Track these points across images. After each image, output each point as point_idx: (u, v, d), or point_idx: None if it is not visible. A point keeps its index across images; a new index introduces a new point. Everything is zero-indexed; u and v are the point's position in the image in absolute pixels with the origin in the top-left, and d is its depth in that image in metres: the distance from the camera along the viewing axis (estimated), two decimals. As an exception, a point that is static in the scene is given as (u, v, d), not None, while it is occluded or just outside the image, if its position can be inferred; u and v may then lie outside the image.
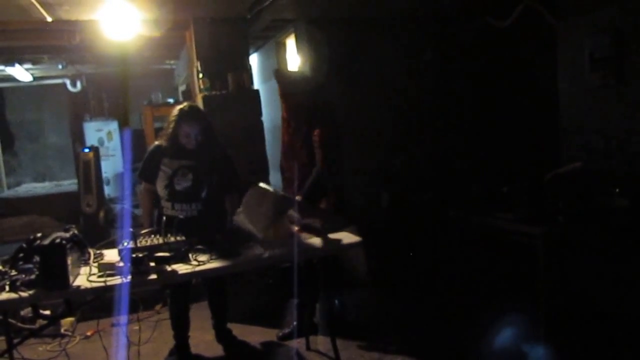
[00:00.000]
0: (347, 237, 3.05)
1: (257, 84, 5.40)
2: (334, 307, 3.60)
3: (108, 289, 2.42)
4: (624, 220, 3.29)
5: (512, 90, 5.00)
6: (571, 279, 3.71)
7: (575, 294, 3.65)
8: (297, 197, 3.28)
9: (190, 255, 2.75)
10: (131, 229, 2.75)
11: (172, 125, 3.24)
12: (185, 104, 3.44)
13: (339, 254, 3.18)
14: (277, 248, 2.88)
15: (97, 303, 2.95)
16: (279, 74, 3.61)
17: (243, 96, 4.40)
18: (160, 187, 3.29)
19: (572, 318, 3.48)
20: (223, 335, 3.62)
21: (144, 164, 3.40)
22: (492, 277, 3.90)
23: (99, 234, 5.49)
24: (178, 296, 3.44)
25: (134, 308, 3.90)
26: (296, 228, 3.08)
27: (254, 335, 3.76)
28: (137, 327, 3.46)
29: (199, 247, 2.89)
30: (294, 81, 3.55)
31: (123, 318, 3.67)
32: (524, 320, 3.33)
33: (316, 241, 3.02)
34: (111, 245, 2.95)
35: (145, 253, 2.56)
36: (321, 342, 3.52)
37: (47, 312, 3.39)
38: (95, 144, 8.46)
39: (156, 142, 3.38)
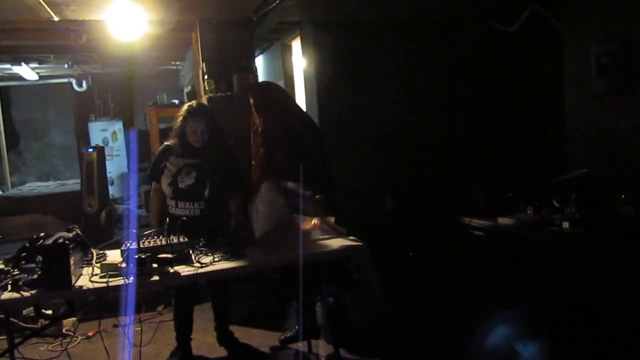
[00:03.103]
0: (350, 241, 3.04)
1: (262, 86, 5.40)
2: (336, 310, 3.59)
3: (110, 290, 2.41)
4: (630, 227, 3.27)
5: (518, 95, 4.98)
6: (575, 286, 3.68)
7: (580, 300, 3.63)
8: (317, 197, 3.27)
9: (193, 256, 2.74)
10: (134, 230, 2.74)
11: (179, 122, 3.26)
12: (193, 101, 3.45)
13: (343, 258, 3.16)
14: (278, 251, 2.87)
15: (99, 303, 2.94)
16: (253, 88, 3.56)
17: (248, 98, 4.38)
18: (165, 185, 3.31)
19: (576, 324, 3.46)
20: (225, 337, 3.61)
21: (153, 164, 3.42)
22: (496, 282, 3.88)
23: (99, 234, 5.49)
24: (182, 297, 3.44)
25: (135, 309, 3.89)
26: (312, 224, 3.10)
27: (256, 338, 3.75)
28: (138, 328, 3.45)
29: (202, 248, 2.89)
30: (270, 94, 3.45)
31: (125, 319, 3.66)
32: (527, 325, 3.30)
33: (320, 244, 3.01)
34: (114, 245, 2.95)
35: (148, 254, 2.56)
36: (323, 345, 3.51)
37: (49, 312, 3.39)
38: (100, 143, 8.51)
39: (166, 142, 3.39)
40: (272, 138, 3.38)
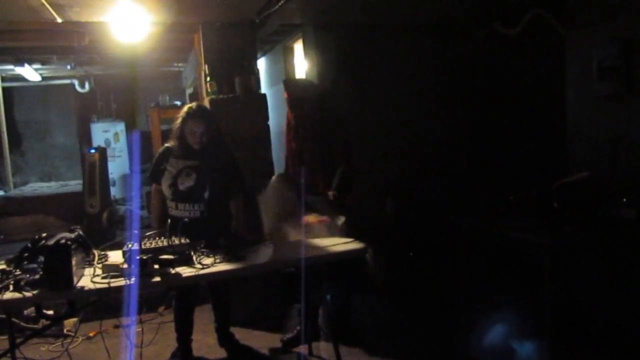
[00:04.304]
0: (352, 243, 3.05)
1: (264, 88, 5.41)
2: (337, 312, 3.59)
3: (112, 290, 2.42)
4: (631, 231, 3.26)
5: (519, 98, 4.99)
6: (577, 289, 3.68)
7: (581, 304, 3.62)
8: (330, 193, 3.35)
9: (194, 258, 2.75)
10: (136, 231, 2.75)
11: (178, 123, 3.27)
12: (193, 103, 3.46)
13: (344, 260, 3.16)
14: (282, 250, 2.88)
15: (101, 304, 2.95)
16: (289, 83, 3.63)
17: (250, 100, 4.40)
18: (165, 187, 3.31)
19: (578, 328, 3.45)
20: (225, 339, 3.61)
21: (153, 166, 3.42)
22: (498, 285, 3.87)
23: (101, 235, 5.50)
24: (183, 298, 3.44)
25: (137, 310, 3.89)
26: (316, 219, 3.12)
27: (256, 339, 3.75)
28: (139, 329, 3.45)
29: (204, 250, 2.89)
30: (304, 89, 3.57)
31: (126, 319, 3.67)
32: (527, 328, 3.30)
33: (322, 246, 3.01)
34: (116, 246, 2.95)
35: (150, 255, 2.56)
36: (324, 347, 3.51)
37: (51, 312, 3.40)
38: (102, 144, 8.51)
39: (166, 144, 3.40)
40: (302, 132, 3.51)
